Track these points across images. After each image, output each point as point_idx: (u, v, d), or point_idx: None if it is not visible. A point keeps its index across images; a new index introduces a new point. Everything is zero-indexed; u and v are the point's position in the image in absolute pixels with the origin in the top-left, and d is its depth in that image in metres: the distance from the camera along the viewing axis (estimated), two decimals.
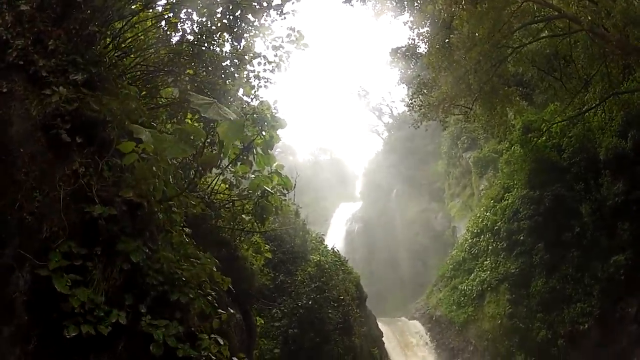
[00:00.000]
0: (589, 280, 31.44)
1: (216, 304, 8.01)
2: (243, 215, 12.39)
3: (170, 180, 8.14)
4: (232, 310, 8.59)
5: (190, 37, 14.68)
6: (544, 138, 35.50)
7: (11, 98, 7.36)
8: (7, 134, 7.13)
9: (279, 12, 14.75)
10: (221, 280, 8.43)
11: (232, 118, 8.17)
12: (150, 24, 14.59)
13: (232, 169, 11.45)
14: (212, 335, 7.41)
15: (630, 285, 29.82)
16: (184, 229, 8.46)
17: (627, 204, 30.77)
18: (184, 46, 14.64)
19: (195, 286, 7.58)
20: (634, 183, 30.76)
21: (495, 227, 37.59)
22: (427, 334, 39.83)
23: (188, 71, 14.52)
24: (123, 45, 13.42)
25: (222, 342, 7.46)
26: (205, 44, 14.56)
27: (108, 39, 11.99)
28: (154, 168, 7.42)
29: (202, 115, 9.50)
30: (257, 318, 16.08)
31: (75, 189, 7.14)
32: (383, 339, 35.28)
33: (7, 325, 6.36)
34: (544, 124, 35.48)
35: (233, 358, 8.05)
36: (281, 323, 26.29)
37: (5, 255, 6.61)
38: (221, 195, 13.07)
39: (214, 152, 10.11)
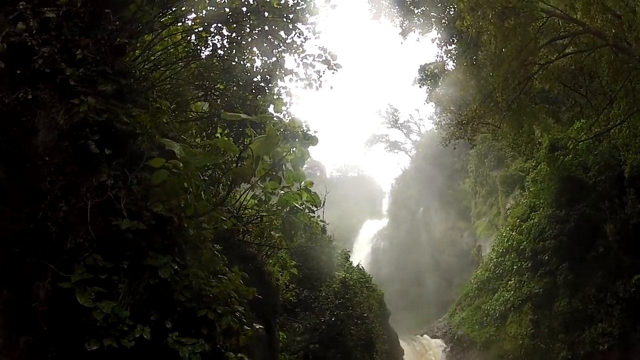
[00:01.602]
0: (610, 300, 31.00)
1: (243, 320, 7.91)
2: (271, 232, 12.39)
3: (202, 195, 8.09)
4: (257, 326, 8.50)
5: (221, 52, 14.72)
6: (570, 156, 35.16)
7: (36, 106, 7.29)
8: (32, 143, 7.09)
9: (310, 30, 14.74)
10: (246, 291, 8.32)
11: (263, 134, 8.16)
12: (180, 37, 14.65)
13: (261, 185, 11.41)
14: (239, 355, 7.32)
15: None
16: (214, 245, 8.40)
17: None
18: (214, 60, 14.67)
19: (223, 302, 7.48)
20: None
21: (521, 247, 37.30)
22: (448, 353, 39.55)
23: (218, 86, 14.56)
24: (153, 58, 13.47)
25: None
26: (236, 59, 14.58)
27: (137, 51, 12.02)
28: (185, 184, 7.38)
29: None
30: (280, 332, 16.03)
31: (103, 201, 7.07)
32: (404, 357, 35.10)
33: (26, 334, 6.33)
34: (570, 142, 35.11)
35: None
36: (303, 338, 26.19)
37: (26, 264, 6.58)
38: (250, 210, 13.08)
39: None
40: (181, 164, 7.16)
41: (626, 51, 27.28)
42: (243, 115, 8.58)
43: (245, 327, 7.91)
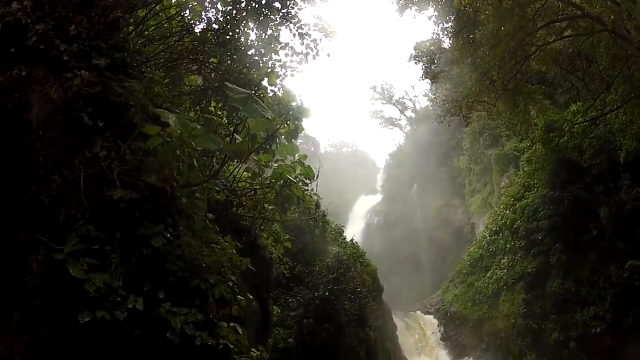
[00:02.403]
0: (603, 283, 31.43)
1: (236, 290, 7.90)
2: (265, 204, 12.38)
3: (195, 164, 8.07)
4: (250, 297, 8.51)
5: (216, 26, 14.66)
6: (565, 138, 35.37)
7: (30, 81, 7.37)
8: (25, 118, 7.17)
9: (306, 1, 14.71)
10: (239, 261, 8.32)
11: (268, 116, 8.13)
12: (174, 12, 14.58)
13: (255, 158, 11.39)
14: (232, 324, 7.29)
15: None
16: (207, 214, 8.38)
17: None
18: (209, 35, 14.62)
19: (216, 271, 7.48)
20: None
21: (514, 226, 37.47)
22: (440, 329, 39.74)
23: (212, 59, 14.52)
24: (146, 34, 13.43)
25: (240, 331, 7.34)
26: (230, 33, 14.51)
27: (131, 27, 11.97)
28: (177, 152, 7.35)
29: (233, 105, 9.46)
30: (274, 307, 16.07)
31: (96, 172, 7.05)
32: (397, 332, 35.26)
33: (19, 310, 6.40)
34: (566, 124, 35.29)
35: (252, 349, 8.00)
36: (297, 313, 26.29)
37: (20, 239, 6.62)
38: (243, 183, 13.06)
39: (239, 142, 10.08)
40: (177, 133, 7.13)
41: (625, 38, 27.27)
42: (248, 92, 8.52)
43: (239, 297, 7.94)
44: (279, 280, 21.47)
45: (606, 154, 33.66)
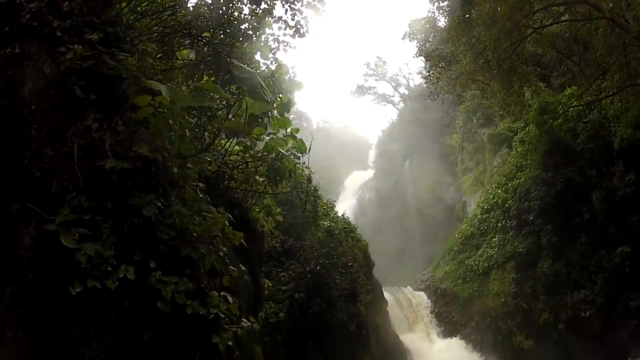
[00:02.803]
0: (594, 267, 31.74)
1: (227, 260, 7.95)
2: (257, 177, 12.42)
3: (187, 134, 8.11)
4: (243, 268, 8.56)
5: (209, 0, 14.62)
6: (559, 120, 35.45)
7: (24, 58, 7.43)
8: (18, 93, 7.22)
9: None
10: (232, 235, 8.35)
11: (268, 99, 8.18)
12: None
13: None
14: (222, 293, 7.36)
15: (635, 278, 30.20)
16: (198, 184, 8.40)
17: (638, 195, 30.92)
18: (202, 9, 14.57)
19: (207, 242, 7.51)
20: None
21: (506, 205, 37.53)
22: (431, 306, 39.86)
23: (205, 34, 14.49)
24: (139, 9, 13.38)
25: (231, 301, 7.41)
26: (223, 7, 14.47)
27: (124, 2, 11.96)
28: (170, 121, 7.38)
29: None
30: (265, 281, 16.15)
31: (88, 144, 7.10)
32: (388, 308, 35.41)
33: (11, 284, 6.46)
34: (560, 107, 35.31)
35: (242, 319, 8.07)
36: (288, 287, 26.37)
37: (11, 212, 6.68)
38: (235, 156, 13.08)
39: (233, 118, 10.13)
40: (167, 101, 7.15)
41: (623, 27, 27.31)
42: (253, 72, 8.54)
43: (230, 267, 8.00)
44: (271, 254, 21.52)
45: (600, 139, 33.71)
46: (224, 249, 7.87)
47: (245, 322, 7.93)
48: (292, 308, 26.18)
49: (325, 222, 29.97)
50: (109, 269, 6.52)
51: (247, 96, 8.42)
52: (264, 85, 7.95)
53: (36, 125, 7.15)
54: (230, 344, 7.32)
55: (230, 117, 11.59)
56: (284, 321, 25.85)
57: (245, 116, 8.07)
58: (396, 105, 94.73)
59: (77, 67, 7.47)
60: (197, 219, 7.53)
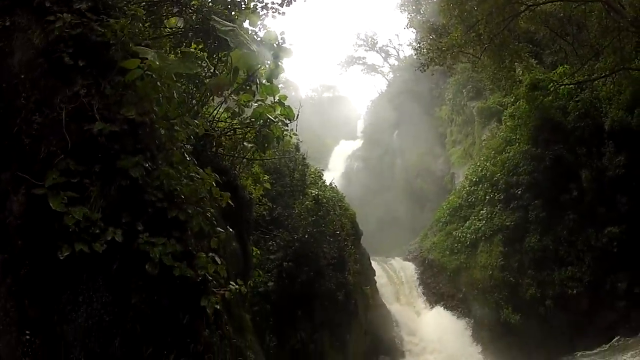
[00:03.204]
0: (582, 245, 31.99)
1: (215, 222, 7.97)
2: (244, 143, 12.40)
3: (175, 95, 8.09)
4: (231, 230, 8.59)
5: None
6: (550, 97, 35.41)
7: (14, 30, 7.40)
8: (7, 63, 7.20)
9: None
10: (220, 196, 8.37)
11: (253, 48, 8.15)
12: None
13: (235, 98, 11.41)
14: (210, 254, 7.39)
15: (623, 259, 30.54)
16: (185, 146, 8.40)
17: (628, 178, 31.19)
18: None
19: (194, 203, 7.53)
20: (637, 159, 31.08)
21: (494, 178, 37.57)
22: (418, 276, 40.05)
23: (193, 1, 14.39)
24: None
25: (219, 261, 7.44)
26: None
27: None
28: (157, 83, 7.38)
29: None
30: (254, 248, 16.21)
31: (77, 109, 7.11)
32: (375, 277, 35.58)
33: (1, 253, 6.44)
34: (551, 84, 35.34)
35: (230, 282, 8.12)
36: (276, 256, 26.44)
37: (1, 180, 6.67)
38: (223, 123, 13.06)
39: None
40: (156, 64, 7.14)
41: (618, 12, 27.34)
42: (234, 26, 8.49)
43: (218, 229, 8.03)
44: (259, 223, 21.55)
45: (591, 118, 33.77)
46: (212, 210, 7.89)
47: (233, 285, 7.99)
48: (280, 277, 26.30)
49: (313, 191, 29.95)
50: (97, 231, 6.54)
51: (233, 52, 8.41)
52: (247, 37, 7.92)
53: (25, 93, 7.14)
54: (218, 307, 7.40)
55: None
56: (273, 290, 25.98)
57: (231, 70, 8.05)
58: (385, 76, 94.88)
59: (65, 36, 7.46)
60: (184, 180, 7.55)
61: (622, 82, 32.11)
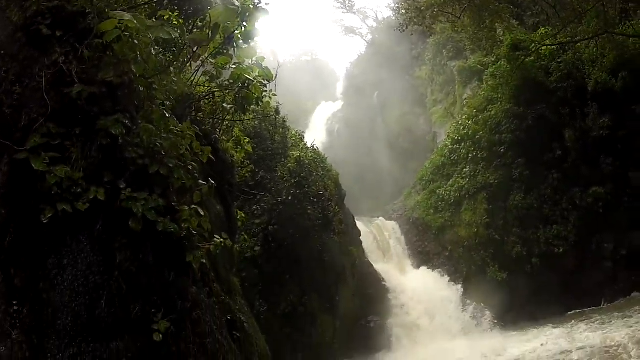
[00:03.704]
0: (566, 204, 32.19)
1: (196, 175, 8.04)
2: (224, 105, 12.41)
3: (152, 53, 8.14)
4: (212, 182, 8.64)
5: None
6: (532, 58, 35.33)
7: None
8: None
9: None
10: (200, 151, 8.41)
11: (236, 2, 8.18)
12: None
13: (212, 61, 11.44)
14: (193, 206, 7.48)
15: (608, 220, 30.98)
16: (165, 103, 8.41)
17: (612, 139, 31.48)
18: None
19: (175, 157, 7.58)
20: (621, 121, 31.39)
21: (477, 137, 37.45)
22: (403, 235, 40.06)
23: None
24: None
25: (202, 213, 7.52)
26: None
27: None
28: (135, 41, 7.43)
29: None
30: (239, 212, 16.30)
31: (56, 75, 7.20)
32: (361, 238, 35.63)
33: None
34: (533, 45, 35.24)
35: (215, 236, 8.19)
36: (261, 220, 26.62)
37: None
38: (201, 87, 13.06)
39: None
40: (133, 23, 7.18)
41: None
42: None
43: (200, 182, 8.12)
44: (242, 188, 21.61)
45: (574, 79, 33.87)
46: (193, 164, 7.96)
47: (217, 238, 8.07)
48: (266, 241, 26.50)
49: (295, 153, 29.97)
50: (79, 191, 6.63)
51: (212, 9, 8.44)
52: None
53: (5, 67, 7.27)
54: (204, 261, 7.48)
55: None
56: (260, 255, 26.22)
57: (209, 26, 8.07)
58: (364, 37, 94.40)
59: (43, 9, 7.57)
60: (164, 135, 7.60)
61: (606, 46, 32.25)
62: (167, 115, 8.02)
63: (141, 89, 7.70)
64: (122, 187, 6.84)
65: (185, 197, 7.69)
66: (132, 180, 7.00)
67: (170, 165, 7.30)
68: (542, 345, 25.18)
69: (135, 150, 7.11)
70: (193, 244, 7.31)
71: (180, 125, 8.27)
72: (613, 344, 22.55)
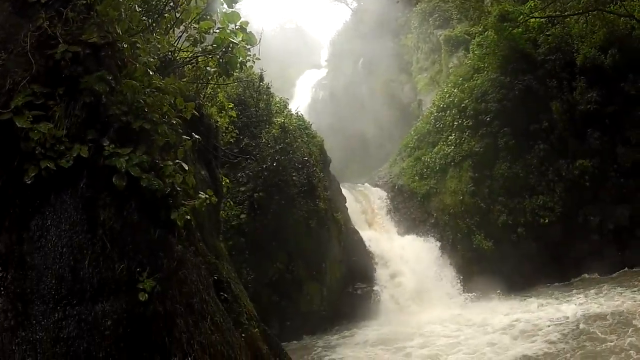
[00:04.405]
0: (552, 176, 32.54)
1: (180, 130, 8.04)
2: (207, 68, 12.40)
3: (136, 9, 8.17)
4: (197, 136, 8.66)
5: None
6: (520, 29, 35.43)
7: None
8: None
9: None
10: (183, 107, 8.37)
11: None
12: None
13: (195, 26, 11.45)
14: (177, 161, 7.50)
15: (595, 193, 31.58)
16: (149, 59, 8.39)
17: (600, 114, 31.87)
18: None
19: (159, 113, 7.57)
20: (610, 97, 31.76)
21: (462, 105, 37.53)
22: (389, 202, 40.10)
23: None
24: None
25: (186, 168, 7.55)
26: None
27: None
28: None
29: None
30: (224, 177, 16.36)
31: (41, 39, 7.23)
32: (346, 204, 35.72)
33: None
34: (521, 17, 35.33)
35: (200, 192, 8.21)
36: (247, 187, 26.73)
37: None
38: (184, 53, 13.05)
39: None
40: None
41: None
42: None
43: (184, 137, 8.14)
44: (227, 155, 21.67)
45: (562, 53, 34.10)
46: (177, 120, 7.97)
47: (202, 194, 8.11)
48: (252, 208, 26.64)
49: (279, 119, 30.07)
50: (62, 148, 6.66)
51: None
52: None
53: None
54: (189, 217, 7.49)
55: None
56: (246, 223, 26.36)
57: None
58: (349, 5, 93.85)
59: None
60: (148, 90, 7.60)
61: (596, 22, 32.47)
62: (151, 73, 8.01)
63: (125, 45, 7.72)
64: (105, 144, 6.86)
65: (170, 153, 7.67)
66: (115, 137, 7.01)
67: (154, 120, 7.30)
68: (530, 313, 26.08)
69: (118, 107, 7.11)
70: (177, 200, 7.27)
71: (164, 80, 8.24)
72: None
